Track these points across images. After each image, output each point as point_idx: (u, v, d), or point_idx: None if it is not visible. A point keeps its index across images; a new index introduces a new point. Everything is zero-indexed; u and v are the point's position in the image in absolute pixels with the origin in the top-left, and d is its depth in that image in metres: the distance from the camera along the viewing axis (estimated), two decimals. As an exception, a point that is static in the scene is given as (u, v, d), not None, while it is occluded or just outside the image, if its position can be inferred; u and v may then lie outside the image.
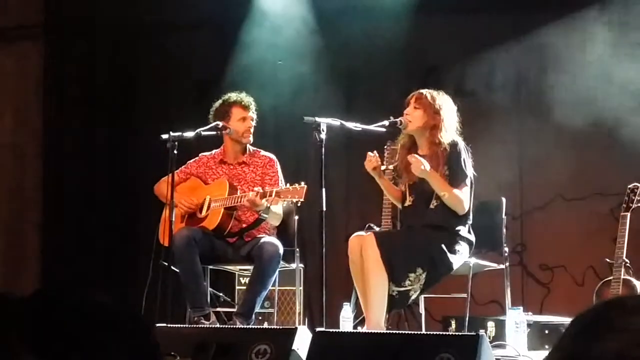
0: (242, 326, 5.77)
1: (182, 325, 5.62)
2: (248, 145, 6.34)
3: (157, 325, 5.16)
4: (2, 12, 8.91)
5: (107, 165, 8.74)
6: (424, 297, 6.05)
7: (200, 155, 6.46)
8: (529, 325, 5.73)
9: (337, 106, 7.48)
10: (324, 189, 5.26)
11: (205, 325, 5.77)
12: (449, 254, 5.40)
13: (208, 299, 6.08)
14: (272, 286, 6.08)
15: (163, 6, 8.24)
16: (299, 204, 5.71)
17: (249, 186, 6.13)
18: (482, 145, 6.21)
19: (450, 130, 5.53)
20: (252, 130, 6.28)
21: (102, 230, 8.61)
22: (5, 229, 8.89)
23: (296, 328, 4.94)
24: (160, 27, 8.55)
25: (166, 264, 5.78)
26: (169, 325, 5.32)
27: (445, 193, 5.42)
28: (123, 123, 8.75)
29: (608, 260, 6.11)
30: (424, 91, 5.62)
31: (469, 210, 5.51)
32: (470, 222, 5.54)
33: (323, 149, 5.34)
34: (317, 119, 5.40)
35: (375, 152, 5.60)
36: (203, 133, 6.06)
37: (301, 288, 6.66)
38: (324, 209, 5.26)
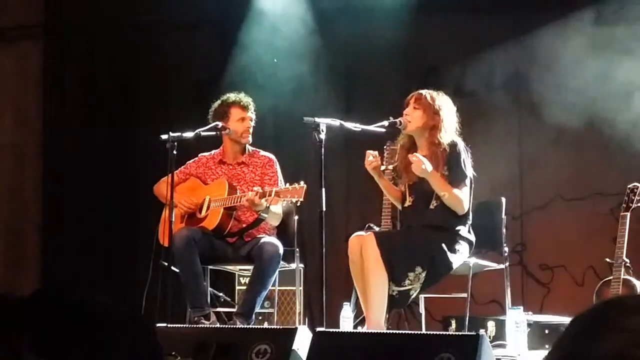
0: (242, 326, 5.77)
1: (182, 325, 5.62)
2: (247, 146, 6.35)
3: (157, 325, 5.15)
4: (2, 12, 8.91)
5: (106, 165, 8.74)
6: (424, 297, 6.05)
7: (199, 155, 6.46)
8: (529, 325, 5.73)
9: (336, 106, 7.48)
10: (323, 189, 5.26)
11: (205, 325, 5.77)
12: (449, 254, 5.40)
13: (208, 299, 6.08)
14: (272, 286, 6.08)
15: (162, 6, 8.23)
16: (298, 204, 5.71)
17: (248, 186, 6.13)
18: (482, 145, 6.21)
19: (449, 130, 5.53)
20: (251, 130, 6.28)
21: (102, 230, 8.61)
22: (5, 229, 8.89)
23: (296, 328, 4.94)
24: (159, 27, 8.55)
25: (166, 264, 5.78)
26: (169, 325, 5.32)
27: (445, 193, 5.43)
28: (123, 123, 8.75)
29: (608, 260, 6.11)
30: (424, 91, 5.62)
31: (468, 210, 5.52)
32: (470, 222, 5.54)
33: (323, 149, 5.34)
34: (316, 119, 5.40)
35: (376, 152, 5.59)
36: (202, 133, 6.06)
37: (301, 288, 6.66)
38: (324, 209, 5.26)
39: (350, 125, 5.59)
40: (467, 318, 5.83)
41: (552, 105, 7.37)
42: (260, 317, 6.79)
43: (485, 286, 6.52)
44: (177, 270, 5.88)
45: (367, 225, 6.30)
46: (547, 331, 6.03)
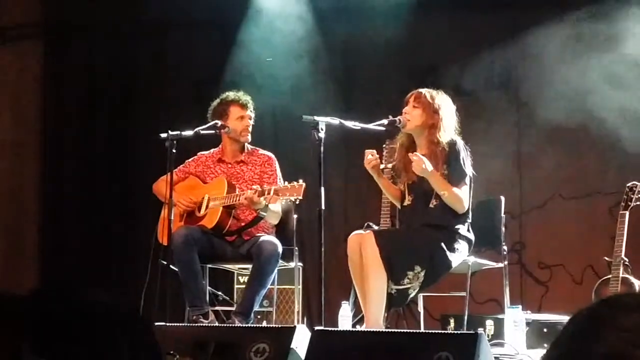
0: (241, 325, 5.77)
1: (181, 324, 5.62)
2: (246, 144, 6.35)
3: (156, 324, 5.15)
4: (1, 12, 8.91)
5: (106, 164, 8.75)
6: (423, 296, 6.05)
7: (198, 154, 6.46)
8: (527, 323, 5.73)
9: (335, 105, 7.49)
10: (322, 188, 5.27)
11: (204, 324, 5.77)
12: (448, 253, 5.40)
13: (207, 298, 6.07)
14: (270, 285, 6.08)
15: (161, 6, 8.23)
16: (297, 202, 5.71)
17: (247, 185, 6.13)
18: (481, 144, 6.21)
19: (448, 129, 5.53)
20: (250, 129, 6.28)
21: (101, 229, 8.61)
22: (4, 229, 8.89)
23: (295, 327, 4.94)
24: (159, 27, 8.55)
25: (165, 262, 5.79)
26: (168, 324, 5.32)
27: (445, 192, 5.43)
28: (122, 122, 8.75)
29: (607, 258, 6.12)
30: (423, 90, 5.62)
31: (468, 209, 5.52)
32: (469, 220, 5.55)
33: (322, 147, 5.34)
34: (315, 117, 5.40)
35: (374, 150, 5.59)
36: (201, 132, 6.06)
37: (300, 287, 6.66)
38: (323, 207, 5.26)
39: (350, 124, 5.59)
40: (466, 317, 5.84)
41: (551, 105, 7.38)
42: (259, 316, 6.79)
43: (484, 285, 6.53)
44: (176, 269, 5.88)
45: (366, 224, 6.30)
46: (545, 330, 6.03)
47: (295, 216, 6.28)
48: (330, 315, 5.79)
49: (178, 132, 5.86)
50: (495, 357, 4.79)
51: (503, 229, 6.00)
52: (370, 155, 5.53)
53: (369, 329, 5.19)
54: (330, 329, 5.20)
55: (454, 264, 5.46)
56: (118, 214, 8.54)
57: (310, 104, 7.39)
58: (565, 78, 7.35)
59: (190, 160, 6.43)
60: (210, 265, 6.28)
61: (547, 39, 7.49)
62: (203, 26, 8.41)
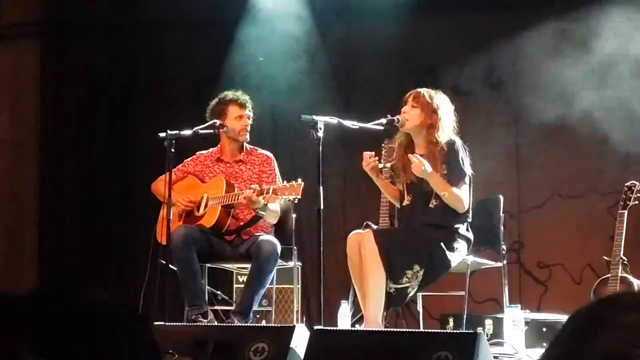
0: (240, 324, 5.77)
1: (180, 324, 5.61)
2: (245, 144, 6.35)
3: (156, 323, 5.15)
4: (0, 11, 8.90)
5: (105, 163, 8.75)
6: (422, 295, 6.06)
7: (197, 153, 6.46)
8: (526, 323, 5.73)
9: (334, 104, 7.49)
10: (321, 187, 5.27)
11: (203, 324, 5.77)
12: (447, 252, 5.41)
13: (206, 297, 6.07)
14: (269, 284, 6.08)
15: (161, 5, 8.23)
16: (296, 201, 5.71)
17: (246, 184, 6.13)
18: (480, 143, 6.21)
19: (447, 129, 5.54)
20: (248, 128, 6.28)
21: (100, 229, 8.61)
22: (4, 229, 8.89)
23: (294, 326, 4.94)
24: (158, 27, 8.55)
25: (164, 262, 5.79)
26: (167, 323, 5.32)
27: (445, 193, 5.43)
28: (121, 122, 8.75)
29: (606, 258, 6.12)
30: (422, 90, 5.62)
31: (468, 209, 5.53)
32: (469, 220, 5.55)
33: (320, 147, 5.34)
34: (314, 117, 5.40)
35: (372, 152, 5.59)
36: (200, 131, 6.06)
37: (299, 286, 6.67)
38: (322, 207, 5.26)
39: (348, 123, 5.59)
40: (465, 316, 5.84)
41: (550, 104, 7.38)
42: (258, 315, 6.79)
43: (483, 284, 6.53)
44: (175, 269, 5.88)
45: (365, 224, 6.30)
46: (544, 329, 6.03)
47: (294, 215, 6.28)
48: (330, 314, 5.78)
49: (177, 132, 5.86)
50: (494, 357, 4.79)
51: (502, 228, 6.00)
52: (369, 158, 5.53)
53: (368, 329, 5.19)
54: (329, 328, 5.20)
55: (453, 263, 5.46)
56: (118, 214, 8.54)
57: (309, 103, 7.39)
58: (563, 78, 7.35)
59: (189, 159, 6.43)
60: (209, 265, 6.28)
61: (546, 40, 7.49)
62: (202, 26, 8.41)
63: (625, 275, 6.01)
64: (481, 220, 5.79)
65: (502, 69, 7.77)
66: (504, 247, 5.93)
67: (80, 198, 8.77)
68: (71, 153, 8.87)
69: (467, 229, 5.55)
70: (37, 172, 8.93)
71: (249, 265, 6.05)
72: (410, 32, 7.72)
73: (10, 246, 8.88)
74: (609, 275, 6.04)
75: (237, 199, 5.94)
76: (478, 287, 6.56)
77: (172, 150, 5.81)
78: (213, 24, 8.31)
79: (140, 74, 8.83)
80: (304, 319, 6.82)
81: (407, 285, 5.38)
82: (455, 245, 5.47)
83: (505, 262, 5.94)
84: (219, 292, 6.75)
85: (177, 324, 5.47)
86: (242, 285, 6.42)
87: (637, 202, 6.10)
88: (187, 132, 5.95)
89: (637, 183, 6.15)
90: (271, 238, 6.06)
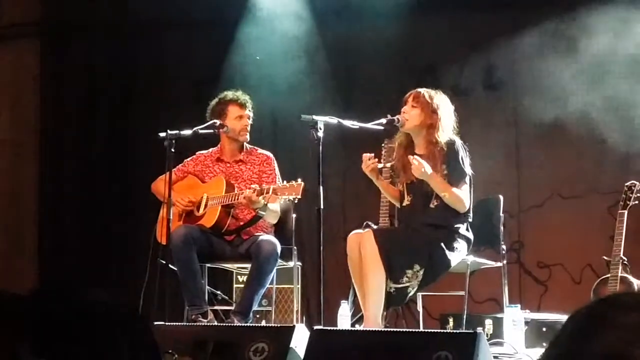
0: (240, 324, 5.77)
1: (180, 324, 5.61)
2: (245, 144, 6.35)
3: (155, 323, 5.15)
4: (0, 11, 8.90)
5: (105, 163, 8.75)
6: (422, 295, 6.05)
7: (197, 153, 6.46)
8: (526, 322, 5.73)
9: (334, 104, 7.49)
10: (321, 187, 5.26)
11: (203, 324, 5.77)
12: (447, 252, 5.41)
13: (206, 297, 6.07)
14: (269, 284, 6.08)
15: (161, 5, 8.23)
16: (296, 201, 5.70)
17: (246, 184, 6.13)
18: (480, 143, 6.21)
19: (447, 129, 5.54)
20: (248, 128, 6.28)
21: (100, 229, 8.61)
22: (4, 229, 8.89)
23: (294, 326, 4.94)
24: (157, 26, 8.55)
25: (164, 262, 5.78)
26: (167, 323, 5.32)
27: (446, 194, 5.44)
28: (122, 122, 8.75)
29: (605, 258, 6.12)
30: (422, 90, 5.62)
31: (469, 208, 5.53)
32: (470, 220, 5.55)
33: (320, 146, 5.34)
34: (314, 117, 5.40)
35: (372, 154, 5.59)
36: (200, 131, 6.06)
37: (299, 286, 6.67)
38: (322, 206, 5.26)
39: (348, 123, 5.59)
40: (465, 316, 5.84)
41: (550, 104, 7.38)
42: (257, 315, 6.79)
43: (483, 284, 6.52)
44: (175, 268, 5.88)
45: (365, 224, 6.30)
46: (544, 329, 6.03)
47: (294, 215, 6.28)
48: (329, 314, 5.78)
49: (177, 132, 5.86)
50: (494, 356, 4.79)
51: (502, 228, 5.99)
52: (368, 159, 5.53)
53: (367, 329, 5.19)
54: (329, 328, 5.19)
55: (453, 263, 5.46)
56: (118, 213, 8.54)
57: (309, 103, 7.40)
58: (563, 78, 7.35)
59: (189, 159, 6.43)
60: (209, 265, 6.27)
61: (546, 40, 7.49)
62: (202, 26, 8.41)
63: (625, 275, 6.01)
64: (481, 220, 5.79)
65: (502, 69, 7.77)
66: (503, 247, 5.93)
67: (80, 198, 8.77)
68: (71, 153, 8.87)
69: (467, 229, 5.55)
70: (37, 172, 8.93)
71: (248, 265, 6.05)
72: (410, 31, 7.72)
73: (10, 246, 8.88)
74: (608, 275, 6.04)
75: (237, 199, 5.94)
76: (478, 287, 6.55)
77: (172, 150, 5.81)
78: (213, 24, 8.31)
79: (140, 74, 8.83)
80: (304, 319, 6.82)
81: (407, 284, 5.38)
82: (455, 245, 5.47)
83: (505, 262, 5.94)
84: (218, 292, 6.75)
85: (177, 323, 5.47)
86: (242, 285, 6.42)
87: (637, 202, 6.11)
88: (187, 132, 5.95)
89: (637, 183, 6.16)
90: (271, 238, 6.06)
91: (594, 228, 7.38)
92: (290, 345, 4.73)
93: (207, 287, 6.20)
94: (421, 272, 5.37)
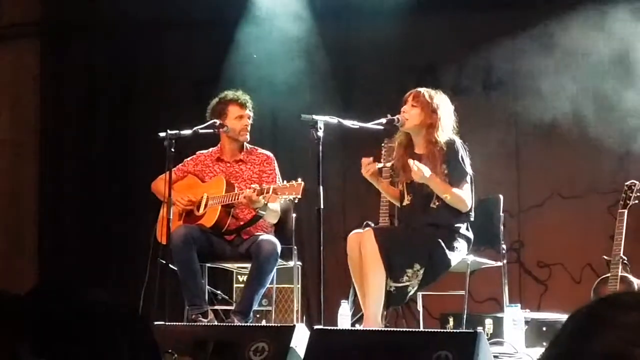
0: (240, 324, 5.77)
1: (180, 323, 5.61)
2: (245, 143, 6.35)
3: (156, 323, 5.15)
4: (0, 11, 8.90)
5: (105, 163, 8.75)
6: (422, 295, 6.05)
7: (197, 153, 6.46)
8: (526, 322, 5.73)
9: (334, 104, 7.49)
10: (321, 187, 5.26)
11: (203, 323, 5.77)
12: (447, 252, 5.41)
13: (206, 297, 6.07)
14: (270, 284, 6.08)
15: (161, 5, 8.23)
16: (296, 201, 5.70)
17: (246, 184, 6.13)
18: (480, 143, 6.21)
19: (447, 129, 5.54)
20: (249, 128, 6.28)
21: (100, 229, 8.61)
22: (4, 229, 8.89)
23: (294, 325, 4.94)
24: (157, 26, 8.55)
25: (164, 261, 5.78)
26: (167, 323, 5.32)
27: (447, 195, 5.44)
28: (122, 122, 8.75)
29: (605, 257, 6.12)
30: (422, 89, 5.62)
31: (471, 208, 5.53)
32: (472, 219, 5.56)
33: (320, 146, 5.34)
34: (314, 116, 5.40)
35: (370, 158, 5.59)
36: (200, 131, 6.06)
37: (299, 286, 6.67)
38: (322, 206, 5.26)
39: (348, 123, 5.58)
40: (465, 315, 5.83)
41: (550, 104, 7.38)
42: (258, 315, 6.79)
43: (483, 284, 6.52)
44: (175, 268, 5.88)
45: (365, 223, 6.30)
46: (544, 328, 6.03)
47: (294, 215, 6.28)
48: (330, 314, 5.78)
49: (177, 132, 5.85)
50: (494, 356, 4.79)
51: (502, 227, 5.99)
52: (368, 164, 5.53)
53: (368, 328, 5.19)
54: (329, 327, 5.20)
55: (453, 263, 5.46)
56: (118, 213, 8.55)
57: (308, 103, 7.39)
58: (563, 77, 7.35)
59: (189, 159, 6.43)
60: (209, 264, 6.27)
61: (546, 39, 7.49)
62: (202, 26, 8.41)
63: (625, 274, 6.01)
64: (481, 219, 5.78)
65: (502, 69, 7.77)
66: (503, 246, 5.93)
67: (80, 198, 8.77)
68: (71, 153, 8.87)
69: (467, 229, 5.55)
70: (37, 172, 8.93)
71: (249, 265, 6.05)
72: (410, 31, 7.72)
73: (10, 246, 8.88)
74: (609, 274, 6.04)
75: (237, 199, 5.94)
76: (478, 287, 6.55)
77: (172, 150, 5.81)
78: (213, 24, 8.31)
79: (140, 74, 8.83)
80: (304, 318, 6.82)
81: (407, 284, 5.38)
82: (455, 244, 5.47)
83: (505, 261, 5.93)
84: (219, 292, 6.75)
85: (177, 323, 5.47)
86: (242, 285, 6.42)
87: (637, 201, 6.11)
88: (187, 132, 5.95)
89: (637, 182, 6.16)
90: (271, 238, 6.06)
91: (594, 227, 7.38)
92: (291, 345, 4.73)
93: (207, 286, 6.20)
94: (421, 272, 5.37)
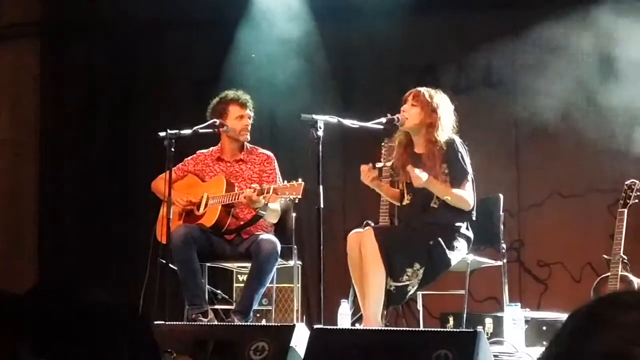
0: (240, 323, 5.77)
1: (180, 323, 5.61)
2: (245, 143, 6.35)
3: (156, 322, 5.15)
4: (0, 11, 8.90)
5: (105, 163, 8.75)
6: (422, 294, 6.05)
7: (197, 152, 6.46)
8: (526, 321, 5.73)
9: (334, 104, 7.49)
10: (321, 186, 5.26)
11: (203, 323, 5.77)
12: (447, 251, 5.41)
13: (206, 297, 6.07)
14: (269, 283, 6.08)
15: (161, 5, 8.23)
16: (296, 201, 5.71)
17: (246, 183, 6.13)
18: (480, 142, 6.21)
19: (446, 129, 5.54)
20: (249, 128, 6.28)
21: (100, 229, 8.61)
22: (4, 229, 8.89)
23: (294, 325, 4.94)
24: (157, 26, 8.55)
25: (164, 261, 5.78)
26: (167, 322, 5.32)
27: (448, 197, 5.44)
28: (122, 122, 8.75)
29: (605, 256, 6.12)
30: (422, 89, 5.63)
31: (473, 206, 5.53)
32: (474, 218, 5.56)
33: (320, 146, 5.34)
34: (314, 116, 5.40)
35: (370, 164, 5.59)
36: (200, 131, 6.06)
37: (299, 285, 6.67)
38: (322, 206, 5.26)
39: (348, 122, 5.59)
40: (465, 315, 5.84)
41: (549, 103, 7.38)
42: (258, 315, 6.79)
43: (483, 283, 6.53)
44: (175, 268, 5.88)
45: (364, 223, 6.30)
46: (544, 328, 6.03)
47: (294, 215, 6.29)
48: (330, 313, 5.78)
49: (176, 131, 5.85)
50: (494, 355, 4.78)
51: (502, 227, 5.99)
52: (367, 170, 5.53)
53: (368, 327, 5.19)
54: (329, 327, 5.20)
55: (453, 262, 5.46)
56: (118, 213, 8.54)
57: (308, 103, 7.39)
58: (562, 77, 7.35)
59: (189, 158, 6.43)
60: (209, 264, 6.27)
61: (545, 39, 7.49)
62: (202, 26, 8.41)
63: (625, 273, 6.01)
64: (481, 219, 5.78)
65: (502, 69, 7.77)
66: (503, 245, 5.93)
67: (80, 198, 8.77)
68: (71, 153, 8.87)
69: (467, 228, 5.55)
70: (37, 172, 8.93)
71: (249, 264, 6.05)
72: (410, 31, 7.72)
73: (10, 246, 8.88)
74: (609, 273, 6.04)
75: (238, 199, 5.94)
76: (478, 286, 6.56)
77: (172, 149, 5.81)
78: (213, 24, 8.31)
79: (140, 74, 8.83)
80: (304, 318, 6.82)
81: (407, 283, 5.38)
82: (455, 243, 5.47)
83: (505, 260, 5.93)
84: (219, 291, 6.75)
85: (177, 323, 5.47)
86: (242, 285, 6.42)
87: (636, 200, 6.11)
88: (186, 132, 5.95)
89: (637, 181, 6.16)
90: (271, 237, 6.06)
91: (594, 227, 7.38)
92: (291, 345, 4.73)
93: (207, 286, 6.20)
94: (421, 271, 5.37)
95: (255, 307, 6.12)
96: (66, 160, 8.86)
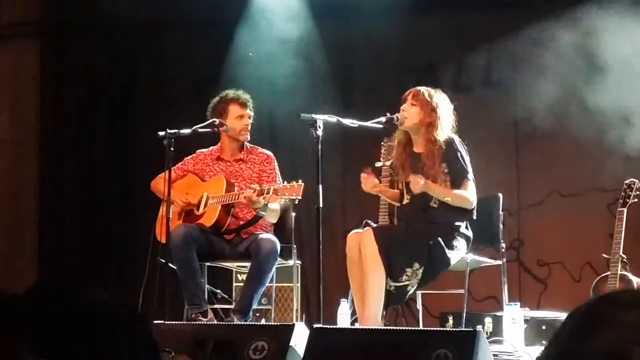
0: (240, 323, 5.77)
1: (179, 322, 5.61)
2: (245, 143, 6.35)
3: (155, 322, 5.16)
4: (0, 11, 8.90)
5: (105, 163, 8.75)
6: (422, 293, 6.05)
7: (197, 152, 6.46)
8: (526, 321, 5.73)
9: (333, 103, 7.49)
10: (320, 186, 5.26)
11: (202, 322, 5.77)
12: (447, 250, 5.41)
13: (205, 296, 6.08)
14: (269, 283, 6.08)
15: (160, 5, 8.23)
16: (296, 202, 5.71)
17: (246, 183, 6.13)
18: (479, 142, 6.21)
19: (446, 128, 5.54)
20: (249, 127, 6.28)
21: (100, 229, 8.61)
22: (4, 229, 8.89)
23: (294, 324, 4.94)
24: (157, 26, 8.55)
25: (163, 261, 5.79)
26: (166, 322, 5.32)
27: (449, 198, 5.45)
28: (121, 122, 8.75)
29: (605, 256, 6.13)
30: (421, 88, 5.63)
31: (474, 205, 5.54)
32: (475, 217, 5.56)
33: (320, 145, 5.34)
34: (313, 115, 5.40)
35: (369, 168, 5.60)
36: (200, 130, 6.06)
37: (298, 284, 6.67)
38: (321, 205, 5.26)
39: (348, 122, 5.59)
40: (465, 314, 5.84)
41: (549, 103, 7.37)
42: (257, 314, 6.79)
43: (483, 282, 6.53)
44: (175, 267, 5.88)
45: (364, 222, 6.30)
46: (544, 327, 6.03)
47: (293, 214, 6.29)
48: (329, 312, 5.79)
49: (176, 130, 5.85)
50: (493, 355, 4.79)
51: (501, 226, 5.99)
52: (367, 177, 5.53)
53: (367, 327, 5.18)
54: (329, 326, 5.20)
55: (453, 261, 5.46)
56: (118, 213, 8.54)
57: (308, 102, 7.39)
58: (562, 77, 7.34)
59: (189, 157, 6.43)
60: (208, 264, 6.28)
61: (545, 39, 7.48)
62: (202, 26, 8.41)
63: (625, 272, 6.01)
64: (481, 218, 5.78)
65: (502, 68, 7.77)
66: (503, 245, 5.93)
67: (80, 198, 8.77)
68: (71, 153, 8.87)
69: (467, 227, 5.55)
70: (37, 172, 8.93)
71: (248, 264, 6.06)
72: (410, 31, 7.72)
73: (10, 246, 8.88)
74: (608, 273, 6.04)
75: (237, 199, 5.94)
76: (477, 285, 6.56)
77: (172, 148, 5.81)
78: (213, 24, 8.31)
79: (140, 74, 8.83)
80: (304, 317, 6.83)
81: (407, 283, 5.38)
82: (455, 243, 5.47)
83: (504, 260, 5.93)
84: (218, 291, 6.75)
85: (176, 322, 5.47)
86: (242, 284, 6.42)
87: (636, 199, 6.11)
88: (186, 131, 5.95)
89: (637, 181, 6.16)
90: (270, 236, 6.06)
91: (594, 226, 7.38)
92: (290, 344, 4.73)
93: (206, 285, 6.21)
94: (421, 271, 5.37)
95: (255, 306, 6.12)
96: (66, 160, 8.86)
